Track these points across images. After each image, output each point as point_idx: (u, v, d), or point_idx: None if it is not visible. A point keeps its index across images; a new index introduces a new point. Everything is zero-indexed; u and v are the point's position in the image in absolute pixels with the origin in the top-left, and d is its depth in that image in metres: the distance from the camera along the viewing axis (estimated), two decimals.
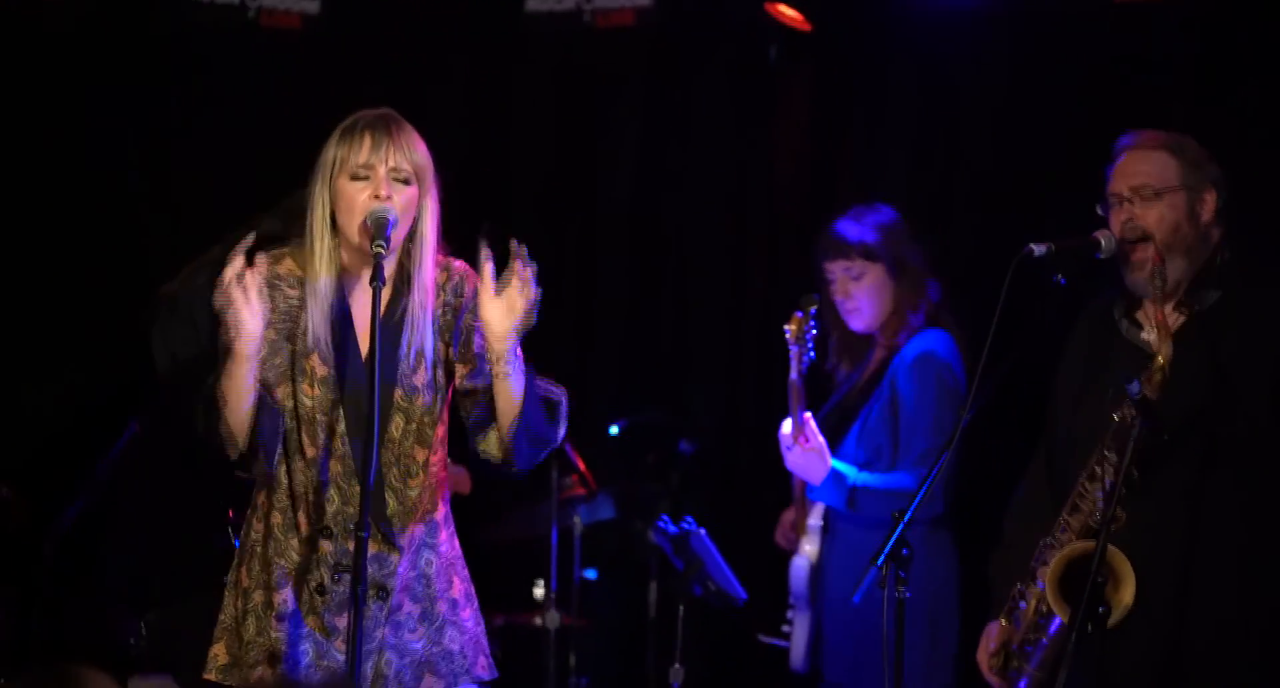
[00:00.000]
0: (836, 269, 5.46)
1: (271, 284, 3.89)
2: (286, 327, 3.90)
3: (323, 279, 3.89)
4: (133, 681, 5.47)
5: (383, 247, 3.78)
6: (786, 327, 5.36)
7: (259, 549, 3.94)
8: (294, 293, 3.91)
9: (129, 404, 5.64)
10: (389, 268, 3.82)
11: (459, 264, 4.02)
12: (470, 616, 4.06)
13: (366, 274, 3.83)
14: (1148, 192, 4.23)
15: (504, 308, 3.83)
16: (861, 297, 5.44)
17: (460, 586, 4.05)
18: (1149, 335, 4.23)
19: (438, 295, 3.96)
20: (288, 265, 3.92)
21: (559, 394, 4.05)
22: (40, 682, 2.67)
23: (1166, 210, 4.22)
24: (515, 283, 3.83)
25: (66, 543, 5.72)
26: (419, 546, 3.97)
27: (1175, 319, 4.16)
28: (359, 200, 3.85)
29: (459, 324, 3.98)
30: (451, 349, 3.98)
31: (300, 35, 6.77)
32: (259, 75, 6.66)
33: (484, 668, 4.06)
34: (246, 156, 6.44)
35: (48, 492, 6.06)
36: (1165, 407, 3.93)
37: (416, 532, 3.95)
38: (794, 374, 5.31)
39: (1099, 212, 4.28)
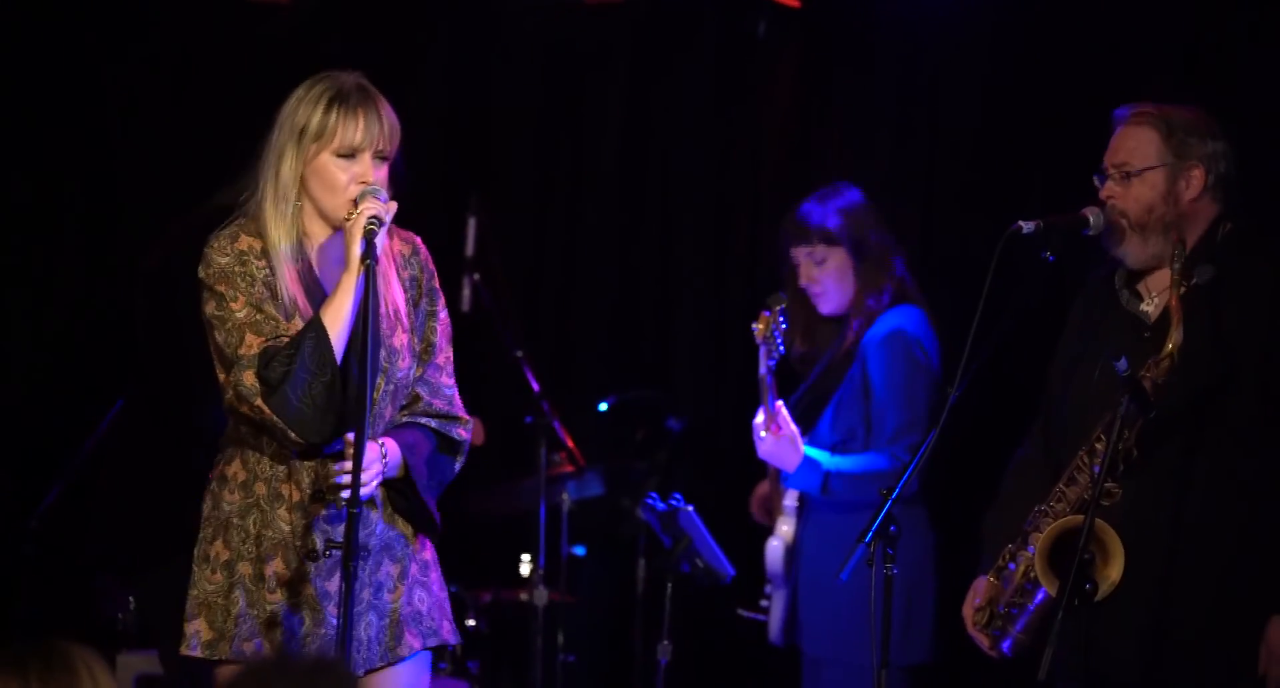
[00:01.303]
0: (800, 254, 5.48)
1: (241, 262, 3.88)
2: (268, 296, 3.88)
3: (285, 244, 3.89)
4: (120, 655, 5.47)
5: (376, 225, 3.81)
6: (754, 325, 5.36)
7: (236, 521, 3.92)
8: (261, 264, 3.89)
9: (114, 380, 5.63)
10: (331, 235, 3.92)
11: (417, 238, 4.08)
12: (436, 579, 4.08)
13: (326, 237, 3.93)
14: (1127, 170, 4.24)
15: None
16: (827, 281, 5.45)
17: (430, 548, 4.07)
18: (1148, 306, 4.24)
19: (405, 267, 4.02)
20: (245, 240, 3.90)
21: (464, 433, 4.09)
22: (27, 657, 2.66)
23: (1144, 190, 4.23)
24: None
25: (52, 518, 5.72)
26: (398, 506, 3.98)
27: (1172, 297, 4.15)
28: (341, 180, 3.88)
29: (420, 307, 4.02)
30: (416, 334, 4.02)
31: (288, 10, 6.75)
32: (245, 51, 6.63)
33: (449, 632, 4.08)
34: (232, 132, 6.39)
35: (33, 467, 6.06)
36: (1168, 387, 3.94)
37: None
38: (762, 370, 5.33)
39: (1095, 183, 4.29)
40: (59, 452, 5.87)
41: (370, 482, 3.81)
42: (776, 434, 5.31)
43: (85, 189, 6.60)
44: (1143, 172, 4.23)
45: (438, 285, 4.07)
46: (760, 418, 5.35)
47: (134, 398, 4.92)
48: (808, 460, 5.31)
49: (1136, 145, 4.25)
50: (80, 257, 6.57)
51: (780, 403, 5.33)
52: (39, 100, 6.54)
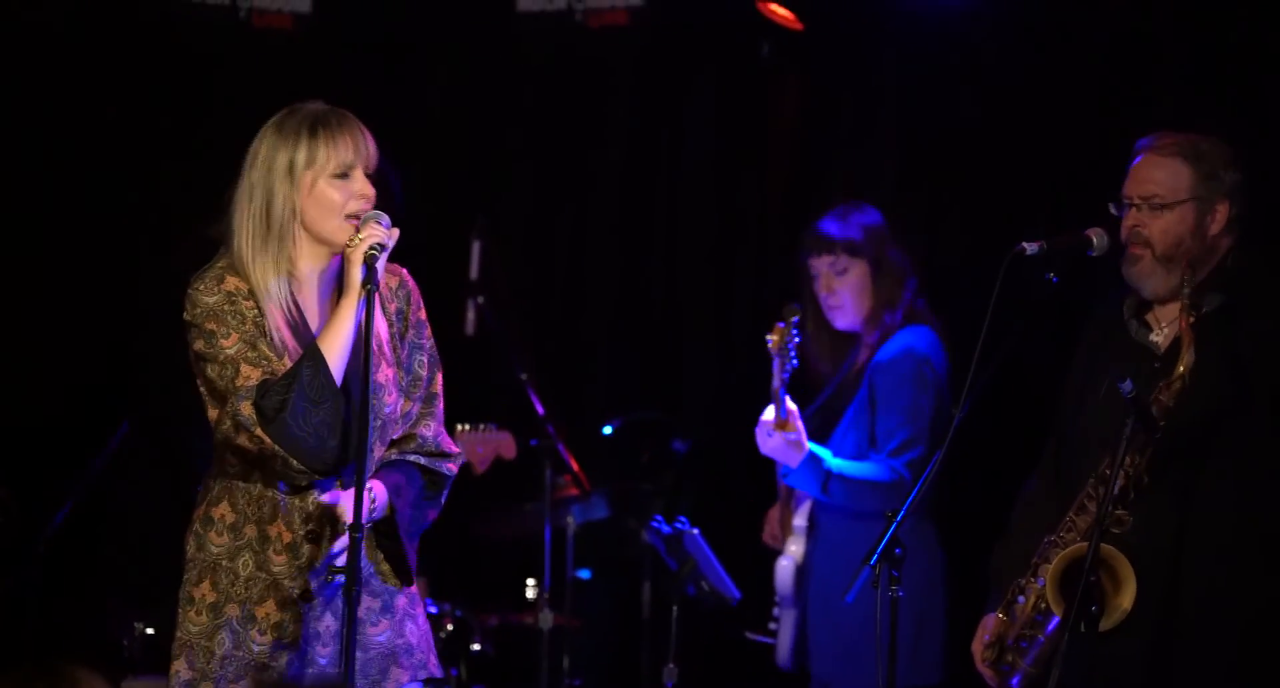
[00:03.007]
0: (821, 265, 5.48)
1: (230, 301, 3.85)
2: (259, 335, 3.85)
3: (274, 281, 3.87)
4: (126, 681, 5.46)
5: (378, 251, 3.80)
6: (769, 337, 5.36)
7: (225, 563, 3.88)
8: (249, 305, 3.85)
9: (120, 403, 5.64)
10: (323, 266, 3.90)
11: (403, 270, 4.06)
12: (421, 612, 4.07)
13: (310, 272, 3.90)
14: (1156, 202, 4.21)
15: None
16: (845, 293, 5.46)
17: (415, 583, 4.05)
18: (1156, 337, 4.23)
19: (391, 299, 4.00)
20: (232, 282, 3.87)
21: (453, 468, 4.08)
22: (32, 681, 2.66)
23: (1173, 223, 4.20)
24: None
25: (60, 542, 5.72)
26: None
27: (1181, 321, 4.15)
28: (339, 200, 3.87)
29: (406, 340, 4.01)
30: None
31: (291, 35, 6.77)
32: (249, 75, 6.65)
33: (435, 666, 4.08)
34: (236, 157, 6.42)
35: (41, 490, 6.06)
36: (1178, 410, 3.94)
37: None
38: (776, 382, 5.32)
39: (1112, 210, 4.27)
40: (66, 473, 5.87)
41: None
42: (785, 434, 5.30)
43: (92, 213, 6.61)
44: (1173, 205, 4.21)
45: (424, 316, 4.05)
46: (769, 415, 5.33)
47: (137, 422, 4.93)
48: (811, 457, 5.30)
49: (1166, 177, 4.22)
50: (87, 278, 6.57)
51: (791, 402, 5.33)
52: (49, 123, 6.55)
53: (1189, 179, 4.21)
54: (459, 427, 6.12)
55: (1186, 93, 5.63)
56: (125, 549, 6.39)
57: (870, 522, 5.06)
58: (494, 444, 6.08)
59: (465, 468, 6.01)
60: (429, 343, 4.04)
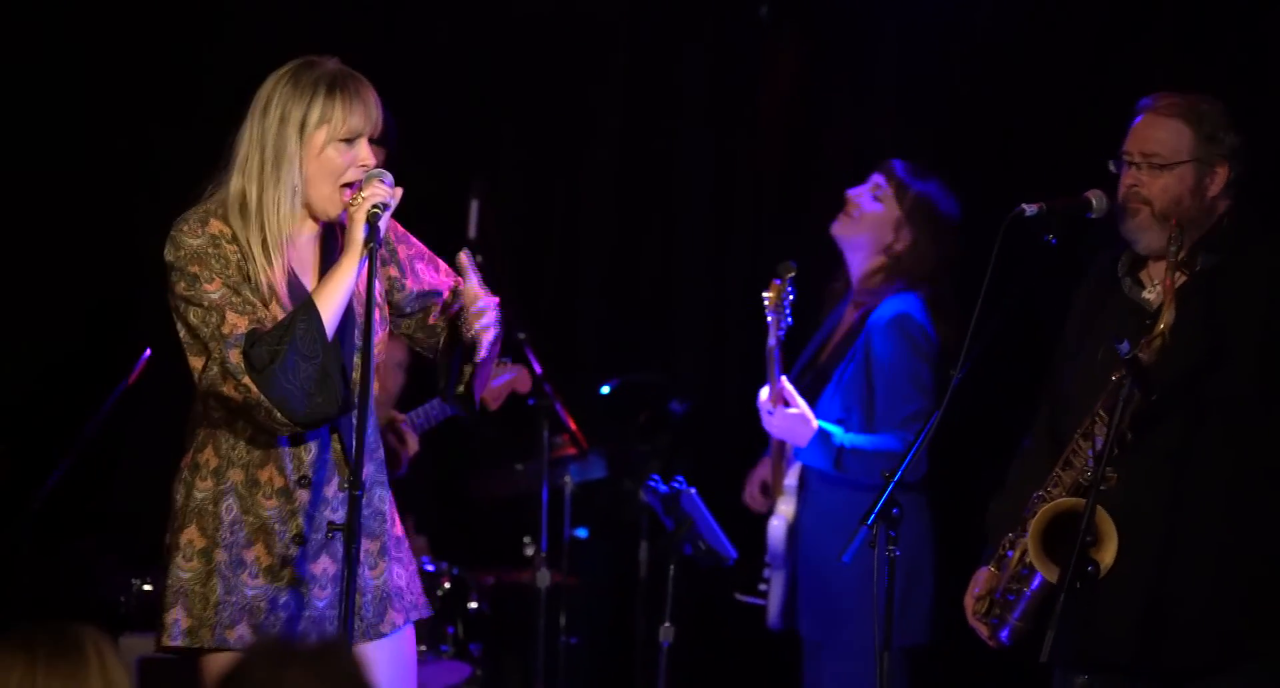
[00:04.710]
0: (874, 180, 5.47)
1: (215, 244, 3.83)
2: (243, 281, 3.83)
3: (287, 232, 3.87)
4: (123, 637, 5.47)
5: (381, 209, 3.80)
6: (765, 294, 5.36)
7: (210, 508, 3.88)
8: (233, 249, 3.84)
9: (119, 360, 5.64)
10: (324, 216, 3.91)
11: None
12: (408, 553, 4.09)
13: (304, 233, 3.91)
14: (1156, 162, 4.23)
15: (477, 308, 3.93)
16: (866, 217, 5.45)
17: (400, 524, 4.08)
18: (1149, 294, 4.25)
19: (390, 260, 4.04)
20: (216, 225, 3.85)
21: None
22: (35, 637, 2.67)
23: (1172, 182, 4.22)
24: (474, 299, 3.93)
25: (55, 498, 5.72)
26: (372, 483, 3.96)
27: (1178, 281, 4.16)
28: (340, 164, 3.86)
29: (387, 268, 4.03)
30: (399, 294, 4.05)
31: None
32: (249, 34, 6.62)
33: (426, 606, 4.10)
34: (237, 116, 6.40)
35: (37, 447, 6.06)
36: (1159, 367, 3.95)
37: (369, 470, 3.94)
38: (771, 341, 5.32)
39: (1111, 168, 4.29)
40: (62, 432, 5.87)
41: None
42: (785, 410, 5.30)
43: (92, 168, 6.59)
44: (1174, 165, 4.22)
45: (412, 249, 4.10)
46: (765, 395, 5.34)
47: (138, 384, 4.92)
48: (821, 433, 5.30)
49: (1167, 137, 4.23)
50: (84, 239, 6.56)
51: (785, 379, 5.33)
52: (50, 93, 6.53)
53: (1190, 140, 4.22)
54: None
55: (1184, 51, 5.63)
56: (122, 506, 6.40)
57: (868, 485, 5.07)
58: (509, 379, 6.07)
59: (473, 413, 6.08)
60: (419, 255, 4.09)
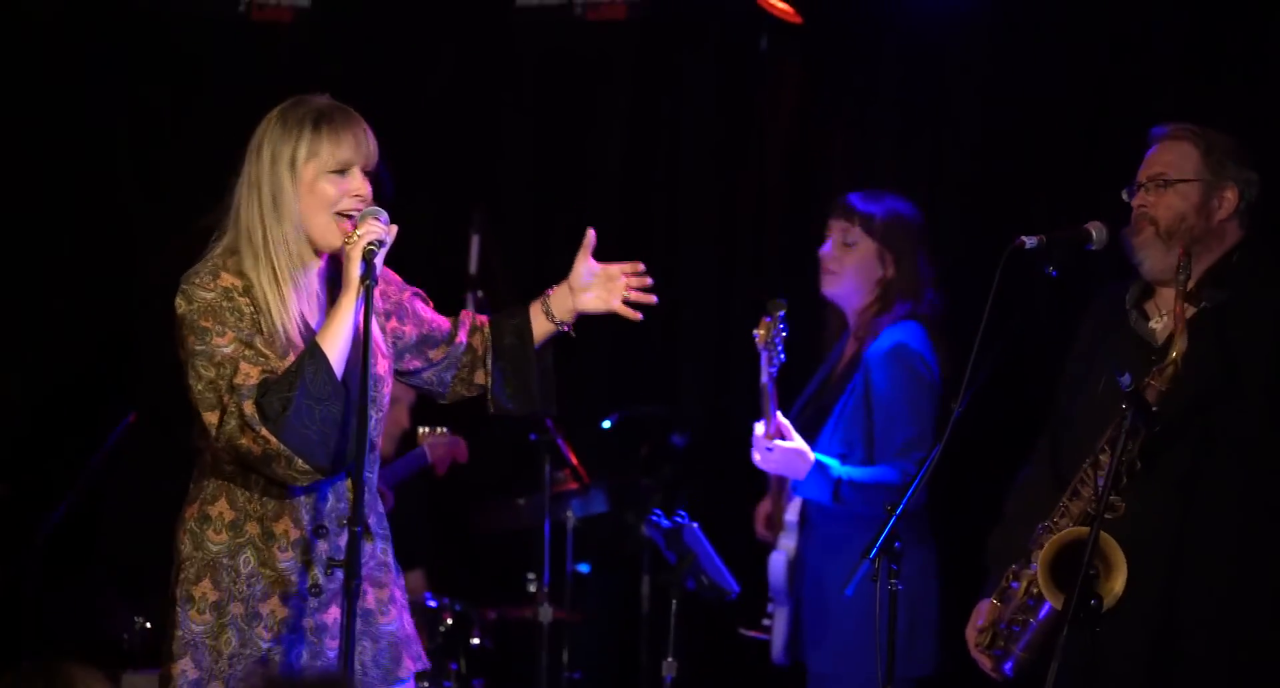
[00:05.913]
0: (835, 229, 5.46)
1: (228, 297, 3.82)
2: (256, 333, 3.82)
3: (292, 271, 3.85)
4: (125, 675, 5.47)
5: (376, 247, 3.80)
6: (755, 331, 5.35)
7: (226, 561, 3.85)
8: (245, 301, 3.83)
9: (120, 397, 5.64)
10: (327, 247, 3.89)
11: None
12: (408, 605, 4.09)
13: (302, 269, 3.87)
14: (1162, 180, 4.26)
15: (599, 290, 4.24)
16: (846, 265, 5.44)
17: (400, 576, 4.06)
18: (1155, 325, 4.24)
19: (381, 297, 4.03)
20: (227, 278, 3.84)
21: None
22: (30, 678, 2.66)
23: (1176, 199, 4.25)
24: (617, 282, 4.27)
25: (59, 536, 5.72)
26: (375, 535, 3.97)
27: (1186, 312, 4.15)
28: (333, 195, 3.86)
29: (389, 321, 4.03)
30: (400, 340, 4.05)
31: (290, 29, 6.76)
32: (248, 69, 6.64)
33: (425, 658, 4.09)
34: (235, 152, 6.42)
35: (40, 485, 6.06)
36: (1171, 396, 3.94)
37: (370, 521, 3.93)
38: (764, 377, 5.31)
39: (1124, 196, 4.31)
40: (66, 468, 5.87)
41: None
42: (782, 445, 5.29)
43: (91, 205, 6.60)
44: (1179, 182, 4.24)
45: (406, 297, 4.09)
46: (760, 430, 5.33)
47: (142, 414, 4.92)
48: (818, 466, 5.28)
49: (1174, 158, 4.27)
50: (86, 272, 6.57)
51: (780, 414, 5.32)
52: (48, 116, 6.54)
53: (1196, 161, 4.26)
54: (420, 430, 6.19)
55: (1189, 74, 5.64)
56: (124, 543, 6.39)
57: (867, 517, 5.06)
58: (449, 448, 6.17)
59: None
60: (412, 297, 4.10)
